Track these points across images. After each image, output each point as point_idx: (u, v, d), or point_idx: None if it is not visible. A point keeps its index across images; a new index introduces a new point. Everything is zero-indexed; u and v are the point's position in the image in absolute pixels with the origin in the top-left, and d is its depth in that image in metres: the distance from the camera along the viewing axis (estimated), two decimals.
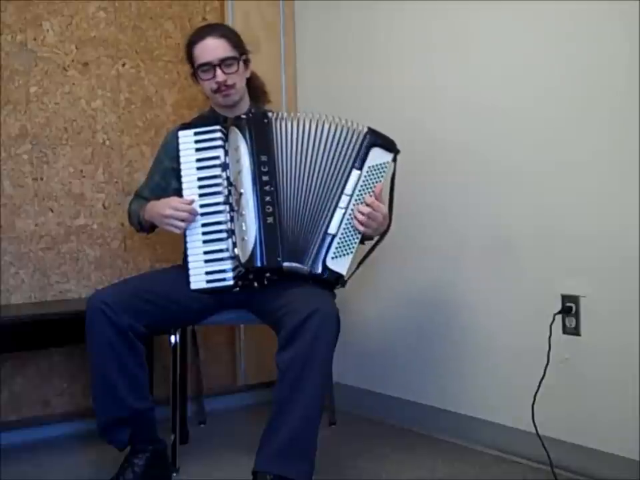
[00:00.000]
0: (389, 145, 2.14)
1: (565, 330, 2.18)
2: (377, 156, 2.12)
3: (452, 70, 2.50)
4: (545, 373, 2.15)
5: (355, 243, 2.10)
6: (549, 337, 2.16)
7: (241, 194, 2.09)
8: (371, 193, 2.10)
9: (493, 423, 2.40)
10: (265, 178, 2.09)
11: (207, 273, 2.13)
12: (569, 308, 2.16)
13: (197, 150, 2.16)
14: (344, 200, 2.09)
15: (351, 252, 2.09)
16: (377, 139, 2.12)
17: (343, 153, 2.12)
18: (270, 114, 2.15)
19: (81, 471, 2.33)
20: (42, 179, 2.67)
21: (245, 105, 2.33)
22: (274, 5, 3.12)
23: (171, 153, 2.26)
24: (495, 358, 2.39)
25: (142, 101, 2.87)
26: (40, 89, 2.66)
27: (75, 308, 2.42)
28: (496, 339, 2.39)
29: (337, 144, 2.12)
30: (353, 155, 2.11)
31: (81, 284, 2.73)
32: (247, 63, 2.31)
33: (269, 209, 2.08)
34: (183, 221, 2.12)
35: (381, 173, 2.12)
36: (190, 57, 2.28)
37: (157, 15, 2.89)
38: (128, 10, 2.83)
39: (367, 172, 2.11)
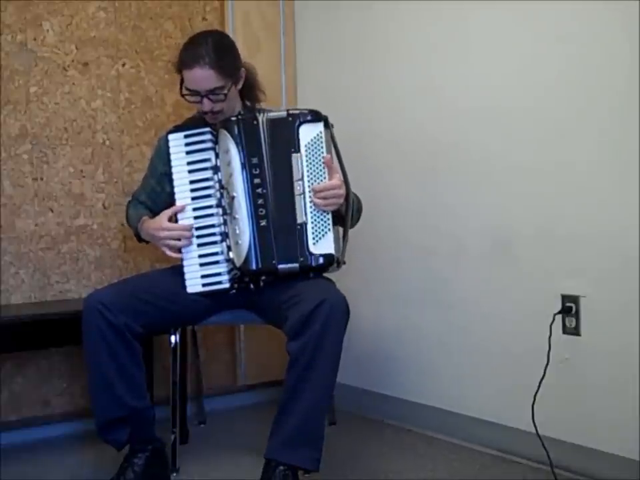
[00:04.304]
0: (313, 117, 2.10)
1: (565, 330, 2.18)
2: (307, 132, 2.08)
3: (451, 70, 2.50)
4: (544, 373, 2.15)
5: (328, 221, 2.08)
6: (549, 337, 2.15)
7: (233, 197, 2.09)
8: (324, 174, 2.06)
9: (492, 423, 2.40)
10: (256, 181, 2.09)
11: (203, 277, 2.14)
12: (569, 308, 2.16)
13: (188, 153, 2.16)
14: (298, 186, 2.07)
15: (328, 230, 2.07)
16: (299, 118, 2.09)
17: (279, 142, 2.09)
18: (259, 114, 2.13)
19: (81, 471, 2.33)
20: (42, 178, 2.67)
21: (237, 106, 2.28)
22: (274, 4, 3.12)
23: (164, 157, 2.24)
24: (495, 358, 2.39)
25: (142, 101, 2.87)
26: (40, 89, 2.66)
27: (75, 308, 2.41)
28: (496, 339, 2.39)
29: (273, 135, 2.10)
30: (287, 141, 2.08)
31: (81, 284, 2.74)
32: (237, 82, 2.23)
33: (261, 211, 2.09)
34: (178, 240, 2.13)
35: (319, 145, 2.08)
36: (178, 72, 2.19)
37: (157, 15, 2.89)
38: (128, 10, 2.83)
39: (306, 151, 2.08)
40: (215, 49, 2.13)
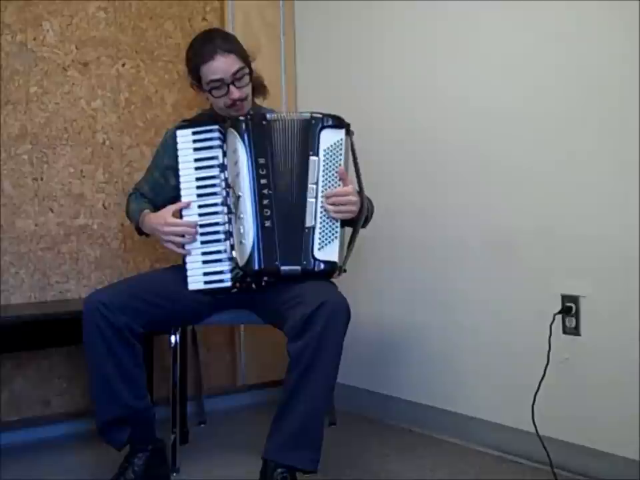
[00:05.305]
0: (336, 123, 2.10)
1: (565, 330, 2.18)
2: (329, 137, 2.09)
3: (452, 70, 2.50)
4: (545, 373, 2.15)
5: (336, 228, 2.07)
6: (549, 337, 2.15)
7: (239, 197, 2.10)
8: (338, 181, 2.07)
9: (493, 423, 2.40)
10: (262, 181, 2.09)
11: (205, 274, 2.13)
12: (569, 308, 2.16)
13: (195, 150, 2.16)
14: (311, 190, 2.07)
15: (335, 237, 2.07)
16: (322, 122, 2.09)
17: (298, 144, 2.10)
18: (268, 115, 2.15)
19: (81, 470, 2.32)
20: (42, 179, 2.67)
21: (249, 104, 2.30)
22: (274, 5, 3.12)
23: (170, 150, 2.25)
24: (495, 358, 2.39)
25: (142, 100, 2.87)
26: (40, 89, 2.67)
27: (75, 308, 2.41)
28: (496, 339, 2.39)
29: (293, 137, 2.11)
30: (306, 143, 2.09)
31: (81, 284, 2.74)
32: (250, 68, 2.26)
33: (266, 212, 2.08)
34: (182, 237, 2.13)
35: (338, 152, 2.08)
36: (193, 72, 2.21)
37: (157, 15, 2.89)
38: (128, 10, 2.83)
39: (324, 155, 2.08)
40: (223, 39, 2.21)
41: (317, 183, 2.07)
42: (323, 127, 2.09)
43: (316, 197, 2.07)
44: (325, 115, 2.11)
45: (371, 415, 2.80)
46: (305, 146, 2.09)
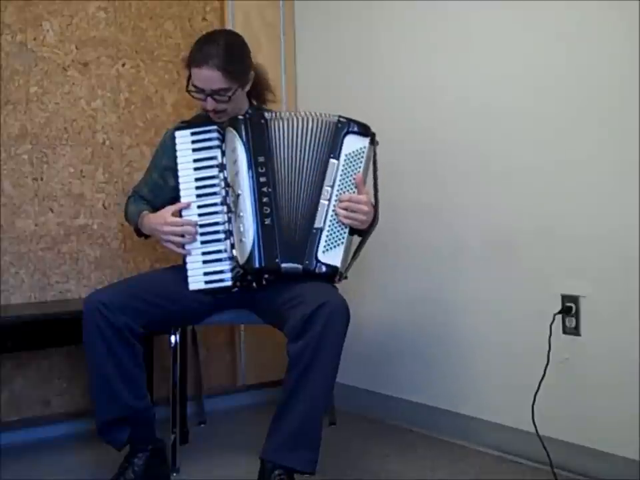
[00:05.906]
0: (362, 130, 2.11)
1: (565, 330, 2.18)
2: (353, 143, 2.09)
3: (452, 70, 2.50)
4: (545, 373, 2.15)
5: (344, 234, 2.07)
6: (549, 337, 2.16)
7: (238, 195, 2.09)
8: (353, 184, 2.07)
9: (493, 423, 2.40)
10: (262, 179, 2.09)
11: (206, 274, 2.13)
12: (569, 308, 2.16)
13: (194, 150, 2.16)
14: (326, 192, 2.07)
15: (341, 243, 2.07)
16: (349, 127, 2.10)
17: (319, 145, 2.10)
18: (267, 114, 2.14)
19: (81, 470, 2.32)
20: (42, 179, 2.67)
21: (244, 107, 2.29)
22: (274, 5, 3.12)
23: (168, 152, 2.25)
24: (495, 358, 2.39)
25: (142, 100, 2.87)
26: (40, 89, 2.67)
27: (75, 308, 2.40)
28: (496, 339, 2.39)
29: (312, 138, 2.11)
30: (328, 145, 2.09)
31: (81, 284, 2.74)
32: (244, 85, 2.22)
33: (266, 210, 2.08)
34: (182, 236, 2.13)
35: (359, 159, 2.09)
36: (188, 67, 2.19)
37: (157, 15, 2.89)
38: (128, 10, 2.83)
39: (345, 160, 2.08)
40: (225, 50, 2.13)
41: (332, 186, 2.07)
42: (348, 132, 2.09)
43: (329, 200, 2.07)
44: (352, 120, 2.11)
45: (371, 414, 2.80)
46: (326, 147, 2.09)
